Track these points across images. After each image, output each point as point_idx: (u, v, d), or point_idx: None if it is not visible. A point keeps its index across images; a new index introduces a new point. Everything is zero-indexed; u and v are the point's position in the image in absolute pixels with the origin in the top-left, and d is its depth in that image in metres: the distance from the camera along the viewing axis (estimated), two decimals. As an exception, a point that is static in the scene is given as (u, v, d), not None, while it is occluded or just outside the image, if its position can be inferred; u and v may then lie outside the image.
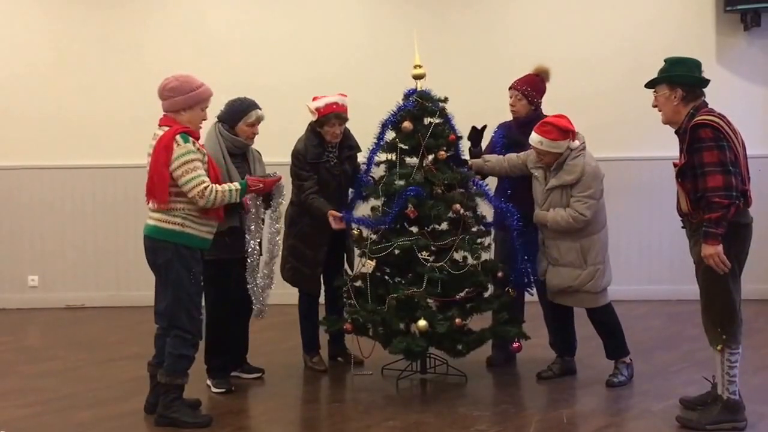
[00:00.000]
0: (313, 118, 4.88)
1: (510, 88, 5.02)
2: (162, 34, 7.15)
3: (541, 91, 5.03)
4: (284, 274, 5.10)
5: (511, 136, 5.00)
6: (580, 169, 4.57)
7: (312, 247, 4.95)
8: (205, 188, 4.05)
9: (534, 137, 4.62)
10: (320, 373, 5.12)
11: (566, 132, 4.58)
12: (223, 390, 4.72)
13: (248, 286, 4.64)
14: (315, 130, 4.93)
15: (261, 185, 4.42)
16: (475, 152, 5.03)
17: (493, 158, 4.94)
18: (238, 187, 4.25)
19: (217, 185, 4.14)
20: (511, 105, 5.02)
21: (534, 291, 4.97)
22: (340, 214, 4.77)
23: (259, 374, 5.01)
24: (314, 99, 4.88)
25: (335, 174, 4.97)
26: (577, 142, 4.61)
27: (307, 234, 4.96)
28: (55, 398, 4.69)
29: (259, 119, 4.69)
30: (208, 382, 4.80)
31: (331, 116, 4.81)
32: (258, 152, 4.85)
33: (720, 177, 3.80)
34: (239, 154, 4.69)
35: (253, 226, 4.58)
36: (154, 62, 6.68)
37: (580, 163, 4.58)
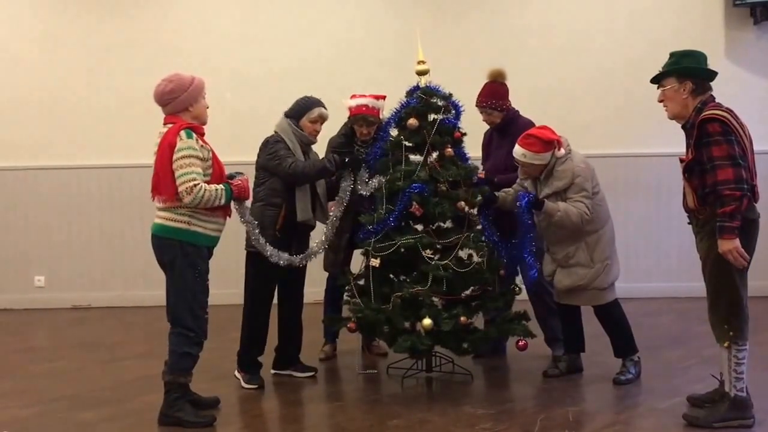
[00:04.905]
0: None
1: (477, 107, 5.07)
2: (163, 32, 7.15)
3: (505, 95, 5.09)
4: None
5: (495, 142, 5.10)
6: (570, 174, 4.55)
7: (336, 234, 5.06)
8: (195, 185, 3.99)
9: (517, 150, 4.59)
10: (324, 369, 5.15)
11: (550, 143, 4.55)
12: (255, 386, 4.73)
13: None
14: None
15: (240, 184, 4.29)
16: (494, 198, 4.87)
17: (509, 192, 4.85)
18: (223, 187, 4.14)
19: (207, 185, 4.05)
20: (485, 121, 5.12)
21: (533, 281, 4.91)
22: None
23: (312, 373, 4.98)
24: (352, 97, 5.08)
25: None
26: (562, 151, 4.57)
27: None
28: (59, 398, 4.68)
29: (321, 116, 4.78)
30: (237, 375, 4.80)
31: (358, 118, 5.04)
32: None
33: (730, 170, 3.75)
34: (305, 151, 4.79)
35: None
36: (159, 61, 6.66)
37: (569, 168, 4.56)
